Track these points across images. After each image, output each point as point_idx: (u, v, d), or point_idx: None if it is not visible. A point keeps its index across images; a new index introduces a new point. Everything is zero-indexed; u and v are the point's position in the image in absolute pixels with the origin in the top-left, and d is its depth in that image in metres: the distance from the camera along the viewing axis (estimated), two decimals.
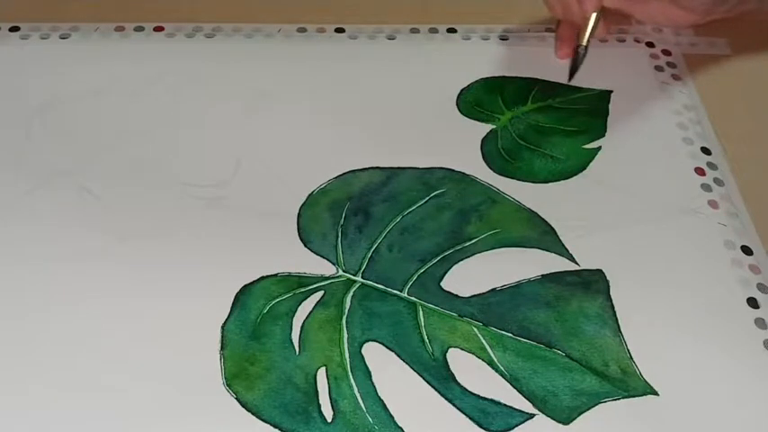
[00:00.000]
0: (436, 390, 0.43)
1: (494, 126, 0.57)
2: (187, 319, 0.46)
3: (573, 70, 0.59)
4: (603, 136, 0.57)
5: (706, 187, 0.54)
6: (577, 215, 0.52)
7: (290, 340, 0.45)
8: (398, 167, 0.54)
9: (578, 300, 0.47)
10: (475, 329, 0.46)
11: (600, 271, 0.49)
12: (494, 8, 0.66)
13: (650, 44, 0.64)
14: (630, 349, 0.45)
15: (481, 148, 0.56)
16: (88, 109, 0.57)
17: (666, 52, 0.64)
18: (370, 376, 0.44)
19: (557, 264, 0.49)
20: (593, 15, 0.57)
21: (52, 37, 0.62)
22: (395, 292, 0.47)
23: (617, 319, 0.47)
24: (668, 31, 0.65)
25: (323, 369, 0.44)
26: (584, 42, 0.58)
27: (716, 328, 0.47)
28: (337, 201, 0.52)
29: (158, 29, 0.63)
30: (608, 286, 0.48)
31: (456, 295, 0.47)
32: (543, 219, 0.51)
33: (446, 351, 0.45)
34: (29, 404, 0.42)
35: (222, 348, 0.45)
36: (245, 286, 0.47)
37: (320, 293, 0.47)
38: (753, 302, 0.48)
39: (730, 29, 0.65)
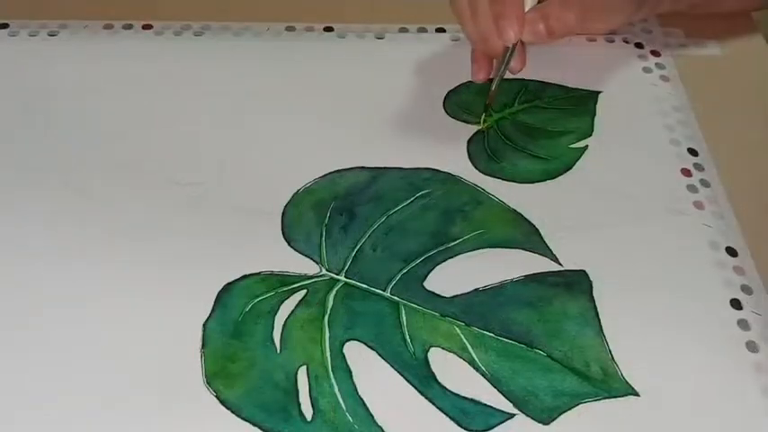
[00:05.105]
0: (417, 389, 0.43)
1: (480, 127, 0.57)
2: (169, 317, 0.46)
3: (491, 99, 0.56)
4: (590, 136, 0.57)
5: (692, 188, 0.54)
6: (563, 215, 0.52)
7: (272, 339, 0.45)
8: (384, 167, 0.54)
9: (561, 300, 0.47)
10: (456, 329, 0.46)
11: (583, 271, 0.49)
12: None
13: (639, 45, 0.64)
14: (612, 350, 0.45)
15: (467, 149, 0.56)
16: (75, 107, 0.57)
17: (655, 53, 0.64)
18: (351, 375, 0.44)
19: (541, 264, 0.49)
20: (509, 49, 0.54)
21: (41, 34, 0.62)
22: (378, 291, 0.47)
23: (599, 320, 0.46)
24: (658, 32, 0.65)
25: (304, 368, 0.44)
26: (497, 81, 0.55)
27: (698, 330, 0.46)
28: (322, 200, 0.52)
29: (147, 27, 0.63)
30: (591, 287, 0.48)
31: (439, 295, 0.47)
32: (528, 219, 0.51)
33: (427, 350, 0.45)
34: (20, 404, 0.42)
35: (203, 346, 0.45)
36: (228, 284, 0.47)
37: (303, 292, 0.47)
38: (736, 304, 0.48)
39: (720, 30, 0.65)
